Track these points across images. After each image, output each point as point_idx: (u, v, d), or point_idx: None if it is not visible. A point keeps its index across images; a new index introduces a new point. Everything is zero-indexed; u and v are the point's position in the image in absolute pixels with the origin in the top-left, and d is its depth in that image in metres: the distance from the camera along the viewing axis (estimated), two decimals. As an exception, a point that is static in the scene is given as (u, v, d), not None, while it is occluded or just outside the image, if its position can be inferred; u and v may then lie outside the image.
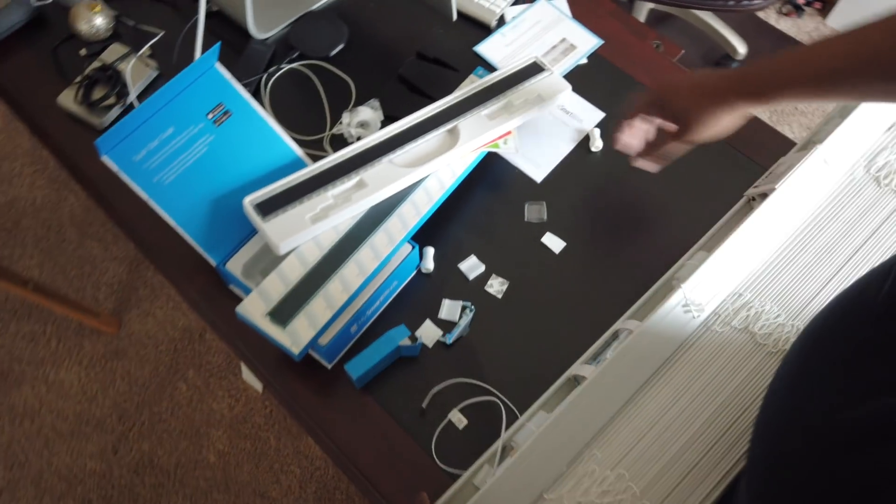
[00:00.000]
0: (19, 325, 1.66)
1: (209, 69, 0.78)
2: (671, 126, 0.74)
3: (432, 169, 0.81)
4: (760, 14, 2.08)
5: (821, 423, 0.46)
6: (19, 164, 1.86)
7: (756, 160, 0.90)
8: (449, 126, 0.83)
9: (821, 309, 0.57)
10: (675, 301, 0.73)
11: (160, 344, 1.63)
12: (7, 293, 1.35)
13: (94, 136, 0.93)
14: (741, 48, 1.92)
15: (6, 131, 1.91)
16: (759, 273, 0.78)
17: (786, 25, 2.06)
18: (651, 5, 1.88)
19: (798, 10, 2.06)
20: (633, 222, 0.86)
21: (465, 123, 0.83)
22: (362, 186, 0.78)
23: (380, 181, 0.79)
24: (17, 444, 1.54)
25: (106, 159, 0.73)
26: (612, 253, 0.85)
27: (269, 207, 0.76)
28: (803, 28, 2.04)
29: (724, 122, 0.70)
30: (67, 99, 0.93)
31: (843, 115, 0.84)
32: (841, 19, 2.01)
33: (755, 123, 0.93)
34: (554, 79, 0.87)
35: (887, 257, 0.74)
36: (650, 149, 0.80)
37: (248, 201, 0.77)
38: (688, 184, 0.88)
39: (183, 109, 0.77)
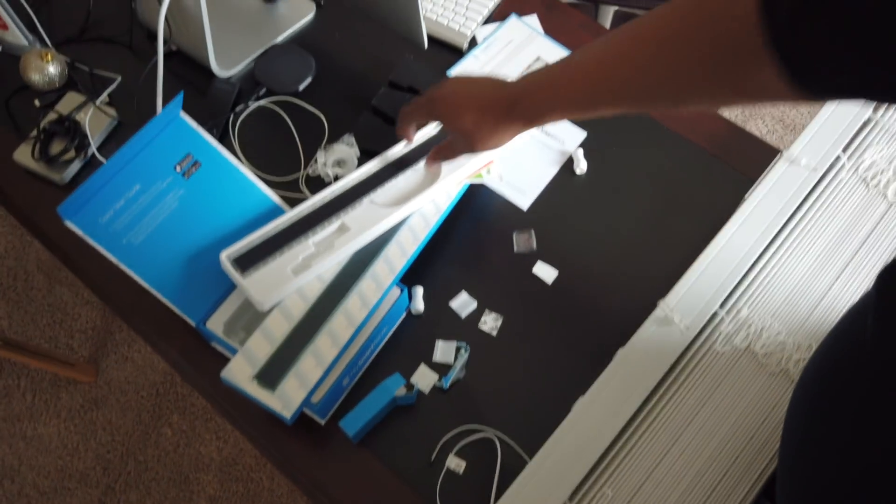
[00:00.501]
0: (-9, 380, 1.59)
1: (174, 119, 0.74)
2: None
3: (416, 207, 0.77)
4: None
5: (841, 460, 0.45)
6: (-21, 212, 1.78)
7: (742, 171, 0.88)
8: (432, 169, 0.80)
9: (814, 352, 0.55)
10: (657, 315, 0.72)
11: (141, 389, 1.57)
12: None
13: (55, 192, 0.88)
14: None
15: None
16: (756, 286, 0.76)
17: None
18: (615, 8, 1.86)
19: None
20: (625, 244, 0.84)
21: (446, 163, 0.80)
22: (344, 231, 0.75)
23: (362, 223, 0.75)
24: (-2, 506, 1.47)
25: (70, 225, 0.69)
26: (607, 277, 0.82)
27: (247, 261, 0.73)
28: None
29: (500, 137, 0.69)
30: (24, 155, 0.88)
31: (812, 113, 0.83)
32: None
33: (738, 133, 0.92)
34: None
35: (884, 261, 0.73)
36: (433, 155, 0.79)
37: (225, 256, 0.73)
38: (678, 201, 0.86)
39: (148, 164, 0.73)
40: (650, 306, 0.76)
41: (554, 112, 0.62)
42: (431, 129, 0.82)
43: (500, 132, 0.67)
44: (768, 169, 0.84)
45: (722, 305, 0.75)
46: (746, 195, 0.83)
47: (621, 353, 0.73)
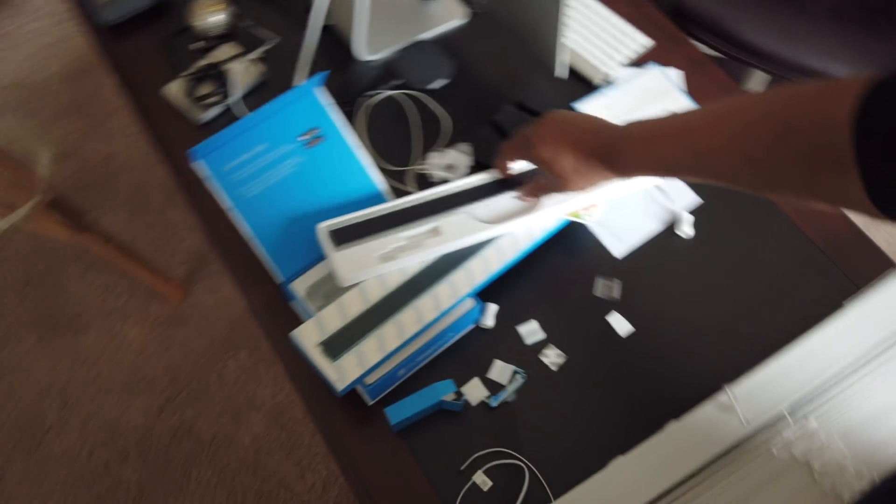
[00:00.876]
0: (96, 275, 1.74)
1: (309, 94, 0.79)
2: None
3: (509, 229, 0.79)
4: None
5: None
6: (124, 122, 1.95)
7: (850, 276, 0.84)
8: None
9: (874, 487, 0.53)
10: (719, 399, 0.71)
11: (220, 320, 1.68)
12: (91, 245, 1.42)
13: (190, 128, 0.96)
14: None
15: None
16: (833, 401, 0.73)
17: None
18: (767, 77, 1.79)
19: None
20: (707, 318, 0.83)
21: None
22: (437, 234, 0.78)
23: (455, 232, 0.78)
24: (73, 386, 1.62)
25: (200, 164, 0.75)
26: (680, 346, 0.81)
27: (342, 237, 0.77)
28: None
29: (591, 182, 0.69)
30: (173, 90, 0.96)
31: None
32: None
33: (856, 236, 0.88)
34: None
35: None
36: (528, 190, 0.80)
37: (323, 227, 0.78)
38: (775, 290, 0.84)
39: (278, 128, 0.78)
40: (715, 388, 0.75)
41: (644, 168, 0.63)
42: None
43: (592, 177, 0.69)
44: (878, 280, 0.80)
45: (791, 411, 0.73)
46: (847, 301, 0.79)
47: (673, 426, 0.72)
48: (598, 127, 0.68)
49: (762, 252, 0.86)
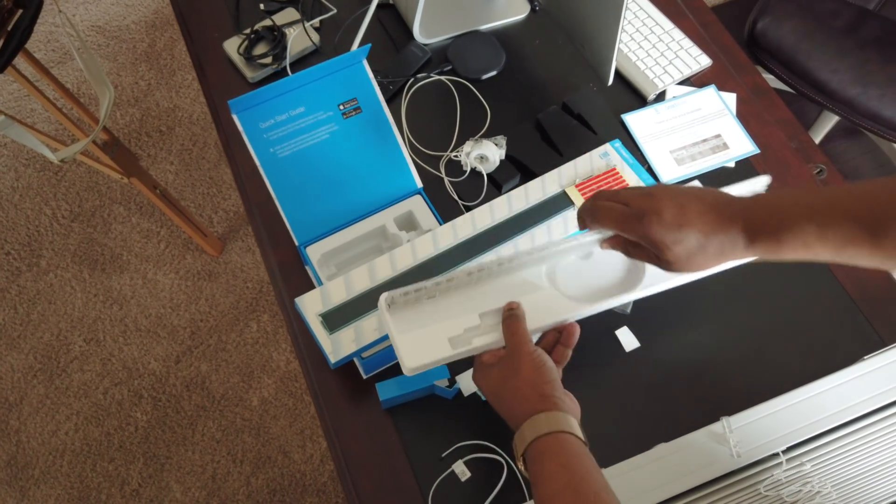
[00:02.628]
0: (139, 219, 1.80)
1: (355, 64, 0.80)
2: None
3: (600, 308, 0.69)
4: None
5: None
6: (191, 77, 2.01)
7: (878, 330, 0.81)
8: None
9: None
10: (714, 428, 0.69)
11: (249, 281, 1.72)
12: (138, 190, 1.47)
13: (242, 85, 0.98)
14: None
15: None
16: (832, 449, 0.70)
17: None
18: (837, 118, 1.74)
19: None
20: (719, 348, 0.80)
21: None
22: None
23: (539, 309, 0.67)
24: (101, 323, 1.68)
25: (235, 118, 0.77)
26: (684, 370, 0.79)
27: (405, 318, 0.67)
28: None
29: (715, 264, 0.58)
30: (232, 46, 0.99)
31: None
32: None
33: (892, 291, 0.84)
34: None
35: None
36: (618, 243, 0.66)
37: (385, 300, 0.65)
38: (797, 332, 0.81)
39: (319, 93, 0.79)
40: (712, 419, 0.72)
41: (801, 243, 0.53)
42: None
43: (722, 256, 0.58)
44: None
45: (787, 450, 0.70)
46: (868, 356, 0.76)
47: (661, 448, 0.70)
48: (727, 198, 0.58)
49: (790, 290, 0.83)
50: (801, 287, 0.84)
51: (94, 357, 1.64)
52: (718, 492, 0.68)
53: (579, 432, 0.59)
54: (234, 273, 1.73)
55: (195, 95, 1.97)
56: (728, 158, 0.92)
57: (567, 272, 0.72)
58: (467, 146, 0.88)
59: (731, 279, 0.84)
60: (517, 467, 0.63)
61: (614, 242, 0.66)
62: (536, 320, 0.67)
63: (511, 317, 0.66)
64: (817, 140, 1.79)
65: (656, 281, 0.70)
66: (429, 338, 0.66)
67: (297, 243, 0.81)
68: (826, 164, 0.96)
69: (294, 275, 0.86)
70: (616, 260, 0.72)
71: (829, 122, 1.74)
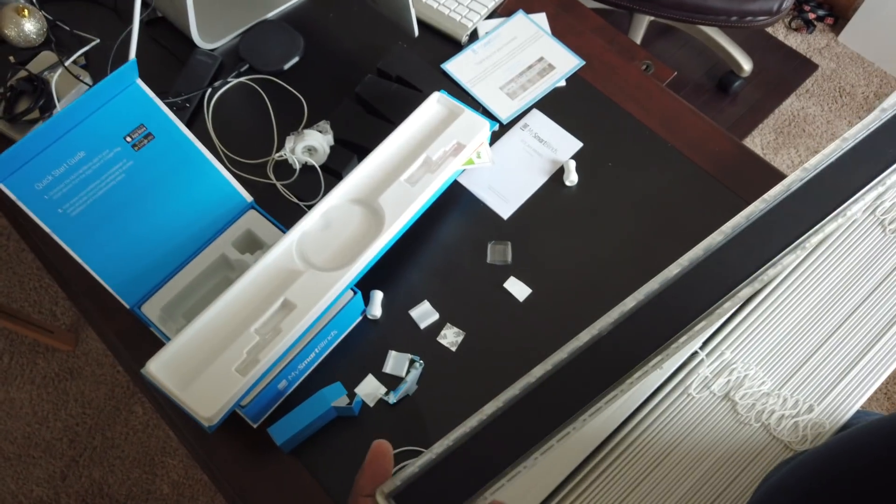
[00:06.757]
0: (-31, 339, 1.57)
1: (129, 85, 0.69)
2: None
3: (356, 269, 0.68)
4: (769, 29, 1.98)
5: None
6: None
7: (745, 197, 0.80)
8: (373, 206, 0.71)
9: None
10: None
11: (117, 364, 1.54)
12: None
13: (14, 152, 0.84)
14: (747, 65, 1.82)
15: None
16: (744, 329, 0.69)
17: (795, 41, 1.96)
18: (651, 18, 1.78)
19: (808, 25, 1.96)
20: (606, 265, 0.77)
21: (385, 198, 0.71)
22: (290, 308, 0.66)
23: (307, 295, 0.66)
24: (-40, 467, 1.45)
25: (3, 188, 0.64)
26: (582, 300, 0.75)
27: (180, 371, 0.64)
28: (814, 45, 1.94)
29: None
30: (-13, 112, 0.84)
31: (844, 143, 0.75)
32: (853, 37, 1.91)
33: (747, 157, 0.84)
34: (469, 119, 0.76)
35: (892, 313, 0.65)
36: None
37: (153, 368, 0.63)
38: (670, 223, 0.79)
39: (96, 131, 0.67)
40: (624, 338, 0.69)
41: None
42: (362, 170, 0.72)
43: None
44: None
45: (703, 346, 0.68)
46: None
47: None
48: None
49: (651, 186, 0.81)
50: (661, 178, 0.82)
51: (-36, 508, 1.41)
52: (654, 410, 0.65)
53: None
54: (97, 361, 1.54)
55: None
56: (558, 78, 0.88)
57: (316, 246, 0.69)
58: (289, 142, 0.79)
59: (588, 193, 0.81)
60: None
61: None
62: (311, 302, 0.65)
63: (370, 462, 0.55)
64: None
65: (398, 213, 0.70)
66: (214, 379, 0.62)
67: (128, 306, 0.70)
68: (650, 58, 0.96)
69: (143, 341, 0.74)
70: (353, 213, 0.71)
71: (640, 25, 1.78)
